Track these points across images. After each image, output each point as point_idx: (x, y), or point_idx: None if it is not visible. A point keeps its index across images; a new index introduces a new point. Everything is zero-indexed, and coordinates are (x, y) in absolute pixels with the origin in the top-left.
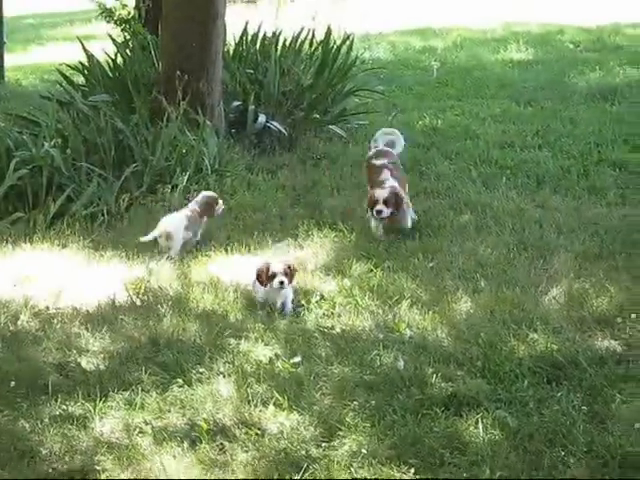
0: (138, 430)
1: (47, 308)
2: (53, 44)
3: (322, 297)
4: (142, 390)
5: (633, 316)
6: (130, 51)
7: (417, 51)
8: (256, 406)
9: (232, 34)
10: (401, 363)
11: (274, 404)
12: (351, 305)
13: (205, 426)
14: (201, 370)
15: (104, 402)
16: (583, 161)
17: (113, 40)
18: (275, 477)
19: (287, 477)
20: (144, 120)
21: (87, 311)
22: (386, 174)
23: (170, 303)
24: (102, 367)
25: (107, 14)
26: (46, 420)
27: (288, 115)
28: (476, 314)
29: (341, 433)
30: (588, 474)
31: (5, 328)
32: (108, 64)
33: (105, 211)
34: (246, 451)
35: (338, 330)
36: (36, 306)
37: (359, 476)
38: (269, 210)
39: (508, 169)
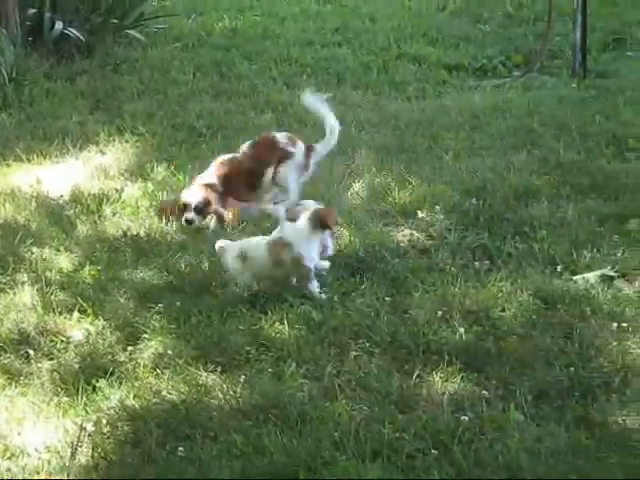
0: None
1: None
2: None
3: (125, 202)
4: None
5: (437, 207)
6: None
7: None
8: (60, 314)
9: None
10: (206, 264)
11: (78, 311)
12: (154, 209)
13: (9, 336)
14: (3, 280)
15: None
16: (383, 57)
17: None
18: (81, 382)
19: (93, 381)
20: None
21: None
22: None
23: None
24: None
25: None
26: None
27: (86, 21)
28: None
29: (147, 336)
30: (393, 364)
31: None
32: None
33: None
34: (52, 359)
35: (142, 234)
36: None
37: (165, 377)
38: (69, 117)
39: (308, 67)
